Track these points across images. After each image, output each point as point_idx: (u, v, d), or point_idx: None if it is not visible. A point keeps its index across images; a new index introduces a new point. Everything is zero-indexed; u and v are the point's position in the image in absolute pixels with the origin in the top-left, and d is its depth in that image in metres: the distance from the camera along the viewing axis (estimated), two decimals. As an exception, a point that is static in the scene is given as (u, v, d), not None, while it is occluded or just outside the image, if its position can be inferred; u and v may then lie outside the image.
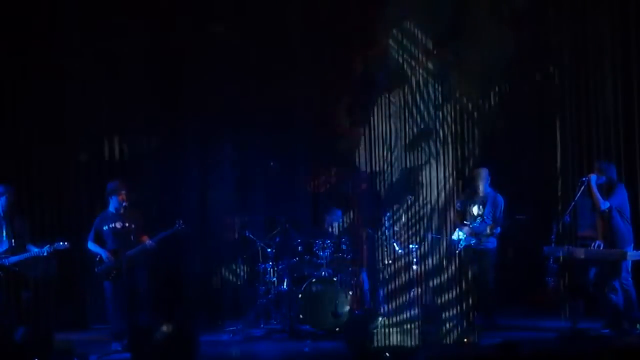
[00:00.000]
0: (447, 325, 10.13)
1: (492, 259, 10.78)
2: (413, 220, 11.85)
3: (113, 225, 10.26)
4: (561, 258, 10.04)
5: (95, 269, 10.27)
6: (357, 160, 12.32)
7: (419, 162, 11.96)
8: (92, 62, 11.73)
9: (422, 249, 11.58)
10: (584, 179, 10.01)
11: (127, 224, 10.27)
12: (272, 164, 11.40)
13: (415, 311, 11.17)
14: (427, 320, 9.83)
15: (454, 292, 11.22)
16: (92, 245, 10.32)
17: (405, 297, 11.41)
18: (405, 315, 11.13)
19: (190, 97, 12.12)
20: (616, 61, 11.12)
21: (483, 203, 10.82)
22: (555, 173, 11.75)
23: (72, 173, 11.82)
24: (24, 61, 11.53)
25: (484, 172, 10.95)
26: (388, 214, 11.68)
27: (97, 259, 10.23)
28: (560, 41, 11.70)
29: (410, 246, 11.44)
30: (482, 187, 10.87)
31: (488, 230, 10.67)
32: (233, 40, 12.04)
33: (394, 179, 12.08)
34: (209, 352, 9.43)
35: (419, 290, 11.37)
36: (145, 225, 10.45)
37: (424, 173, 11.97)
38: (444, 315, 10.66)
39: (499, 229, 10.72)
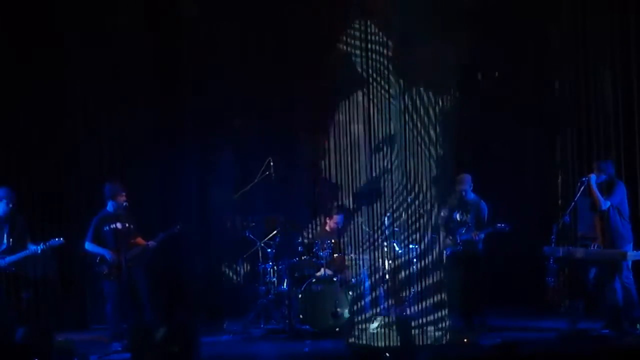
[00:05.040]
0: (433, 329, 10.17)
1: (479, 264, 10.73)
2: (413, 219, 11.85)
3: (114, 225, 10.24)
4: (561, 258, 10.04)
5: (96, 269, 10.26)
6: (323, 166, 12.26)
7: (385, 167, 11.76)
8: (92, 62, 11.74)
9: (421, 248, 11.60)
10: (584, 179, 10.01)
11: (127, 225, 10.27)
12: (271, 161, 11.38)
13: (415, 311, 11.21)
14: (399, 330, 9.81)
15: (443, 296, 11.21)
16: (90, 246, 10.28)
17: (405, 297, 11.42)
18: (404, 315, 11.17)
19: (189, 97, 12.14)
20: (616, 61, 11.12)
21: (467, 210, 10.78)
22: (556, 173, 11.75)
23: (71, 173, 11.81)
24: (24, 61, 11.52)
25: (467, 178, 10.87)
26: (388, 214, 11.69)
27: (98, 259, 10.22)
28: (560, 41, 11.70)
29: (410, 246, 11.45)
30: (465, 193, 10.82)
31: (472, 236, 10.63)
32: (233, 39, 12.08)
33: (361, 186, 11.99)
34: (209, 352, 9.43)
35: (419, 290, 11.39)
36: (145, 226, 10.45)
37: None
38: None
39: (482, 235, 10.65)
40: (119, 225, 10.24)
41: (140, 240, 10.30)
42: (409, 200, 11.71)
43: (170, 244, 10.63)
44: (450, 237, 10.80)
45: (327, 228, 11.45)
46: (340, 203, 11.94)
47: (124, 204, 10.21)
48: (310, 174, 12.38)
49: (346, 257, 11.12)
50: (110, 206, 10.31)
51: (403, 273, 11.63)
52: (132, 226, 10.29)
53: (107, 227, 10.25)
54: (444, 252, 10.90)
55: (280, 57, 12.21)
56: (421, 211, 11.63)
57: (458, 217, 10.82)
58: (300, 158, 12.41)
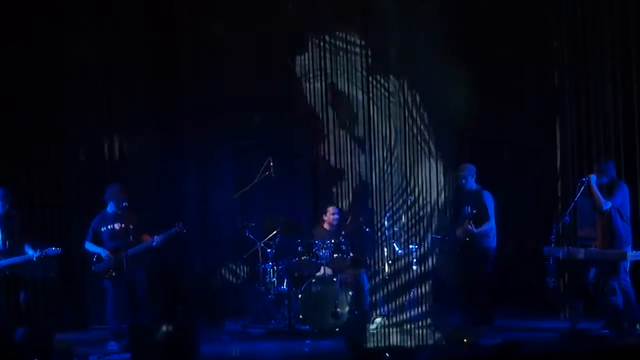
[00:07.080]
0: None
1: (488, 257, 10.66)
2: (413, 221, 11.86)
3: (112, 226, 10.33)
4: (561, 258, 10.03)
5: (93, 267, 10.29)
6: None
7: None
8: (92, 61, 11.74)
9: (422, 249, 11.60)
10: (584, 179, 10.00)
11: (124, 225, 10.30)
12: (270, 162, 11.38)
13: (415, 311, 11.22)
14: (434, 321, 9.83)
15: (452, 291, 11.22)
16: (89, 245, 10.37)
17: (405, 297, 11.42)
18: (405, 316, 11.18)
19: (188, 97, 12.14)
20: (616, 61, 11.11)
21: (470, 202, 10.71)
22: (555, 173, 11.75)
23: (71, 173, 11.80)
24: (24, 60, 11.51)
25: (467, 167, 10.81)
26: (388, 214, 11.68)
27: (95, 257, 10.26)
28: (560, 41, 11.70)
29: (410, 246, 11.44)
30: (465, 181, 10.75)
31: (469, 229, 10.53)
32: (233, 39, 12.08)
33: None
34: (209, 352, 9.42)
35: (419, 290, 11.39)
36: (145, 226, 10.46)
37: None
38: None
39: (487, 226, 10.57)
40: (116, 225, 10.32)
41: (146, 237, 10.33)
42: (408, 201, 11.75)
43: (170, 243, 10.61)
44: (460, 230, 10.73)
45: (326, 226, 11.43)
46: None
47: (124, 204, 10.23)
48: (310, 172, 12.40)
49: (346, 257, 11.09)
50: (109, 207, 10.38)
51: (402, 273, 11.66)
52: (131, 226, 10.29)
53: (105, 228, 10.36)
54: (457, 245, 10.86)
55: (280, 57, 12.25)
56: (421, 213, 11.68)
57: (463, 211, 10.75)
58: (300, 157, 12.40)
